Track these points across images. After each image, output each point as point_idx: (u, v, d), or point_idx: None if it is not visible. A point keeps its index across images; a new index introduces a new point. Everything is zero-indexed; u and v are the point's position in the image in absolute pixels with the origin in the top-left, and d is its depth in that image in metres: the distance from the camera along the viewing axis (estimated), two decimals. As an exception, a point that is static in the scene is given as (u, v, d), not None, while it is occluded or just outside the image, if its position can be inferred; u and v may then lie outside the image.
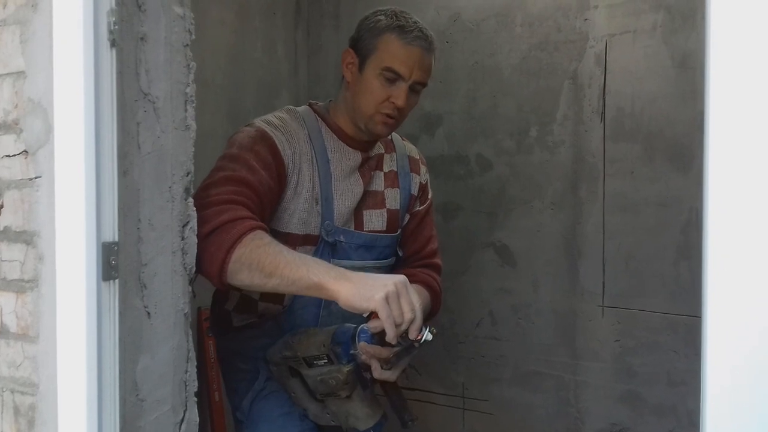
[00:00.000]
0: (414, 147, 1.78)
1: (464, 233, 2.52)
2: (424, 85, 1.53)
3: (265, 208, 1.42)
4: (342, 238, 1.55)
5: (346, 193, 1.55)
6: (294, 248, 1.47)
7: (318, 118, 1.58)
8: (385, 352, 1.35)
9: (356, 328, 1.41)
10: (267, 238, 1.30)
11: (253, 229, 1.29)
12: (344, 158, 1.56)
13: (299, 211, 1.49)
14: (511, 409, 2.47)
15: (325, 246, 1.53)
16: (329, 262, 1.50)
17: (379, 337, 1.36)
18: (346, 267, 1.49)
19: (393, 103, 1.48)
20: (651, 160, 2.22)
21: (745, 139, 0.74)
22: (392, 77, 1.48)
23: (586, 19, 2.29)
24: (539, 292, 2.42)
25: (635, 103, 2.23)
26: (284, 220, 1.49)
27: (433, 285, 1.67)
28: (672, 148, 2.18)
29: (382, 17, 1.51)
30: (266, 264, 1.25)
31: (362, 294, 1.22)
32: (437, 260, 1.75)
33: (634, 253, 2.25)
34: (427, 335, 1.29)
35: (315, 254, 1.51)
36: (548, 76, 2.37)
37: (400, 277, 1.26)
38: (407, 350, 1.34)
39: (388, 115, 1.50)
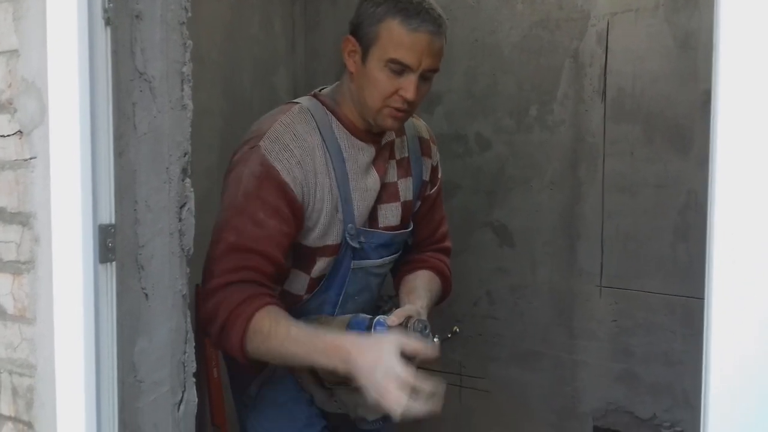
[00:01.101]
0: (423, 124, 1.67)
1: (463, 213, 2.51)
2: (436, 71, 1.40)
3: (277, 259, 1.37)
4: (363, 239, 1.48)
5: (365, 191, 1.47)
6: (314, 258, 1.46)
7: (328, 113, 1.45)
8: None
9: (372, 319, 1.39)
10: (266, 323, 1.30)
11: (251, 316, 1.30)
12: (359, 154, 1.46)
13: (320, 225, 1.42)
14: (508, 388, 2.48)
15: (347, 250, 1.47)
16: (350, 265, 1.49)
17: (396, 331, 1.35)
18: (365, 267, 1.52)
19: (402, 96, 1.36)
20: (651, 141, 2.20)
21: (755, 128, 0.73)
22: (399, 69, 1.34)
23: (587, -3, 2.27)
24: (537, 272, 2.42)
25: (636, 83, 2.21)
26: (303, 234, 1.42)
27: (443, 270, 1.65)
28: (672, 129, 2.17)
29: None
30: (277, 358, 1.36)
31: (358, 378, 1.25)
32: (447, 243, 1.71)
33: (632, 234, 2.25)
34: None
35: (337, 262, 1.47)
36: (549, 54, 2.34)
37: (387, 360, 1.21)
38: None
39: (397, 109, 1.38)
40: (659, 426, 2.25)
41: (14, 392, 1.11)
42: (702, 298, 2.31)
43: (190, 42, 1.17)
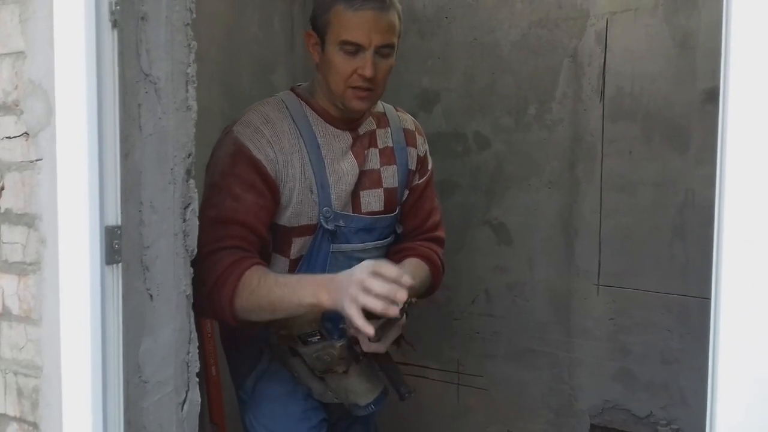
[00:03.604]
0: (410, 117, 1.72)
1: (461, 211, 2.51)
2: (391, 46, 1.46)
3: (257, 229, 1.44)
4: (342, 223, 1.52)
5: (342, 176, 1.52)
6: (290, 239, 1.51)
7: (302, 103, 1.53)
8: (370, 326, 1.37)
9: None
10: (254, 279, 1.37)
11: (240, 275, 1.36)
12: (334, 141, 1.53)
13: (293, 203, 1.47)
14: (506, 385, 2.49)
15: (324, 233, 1.51)
16: (329, 248, 1.53)
17: (365, 311, 1.38)
18: (346, 251, 1.54)
19: (361, 75, 1.42)
20: (649, 141, 2.21)
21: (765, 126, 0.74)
22: (352, 49, 1.42)
23: (586, -4, 2.27)
24: (535, 271, 2.43)
25: (635, 82, 2.22)
26: (278, 214, 1.48)
27: (433, 258, 1.66)
28: (670, 128, 2.18)
29: None
30: (264, 306, 1.37)
31: (337, 303, 1.30)
32: (439, 233, 1.73)
33: (629, 233, 2.26)
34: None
35: (313, 242, 1.51)
36: (548, 53, 2.35)
37: (358, 274, 1.28)
38: (390, 321, 1.38)
39: (359, 88, 1.44)
40: (656, 424, 2.27)
41: (19, 393, 1.11)
42: (699, 297, 2.33)
43: (194, 43, 1.17)
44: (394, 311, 1.25)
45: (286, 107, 1.51)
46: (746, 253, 0.76)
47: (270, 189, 1.44)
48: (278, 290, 1.36)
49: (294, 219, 1.49)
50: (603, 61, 2.26)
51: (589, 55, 2.28)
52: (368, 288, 1.25)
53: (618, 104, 2.25)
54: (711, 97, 2.09)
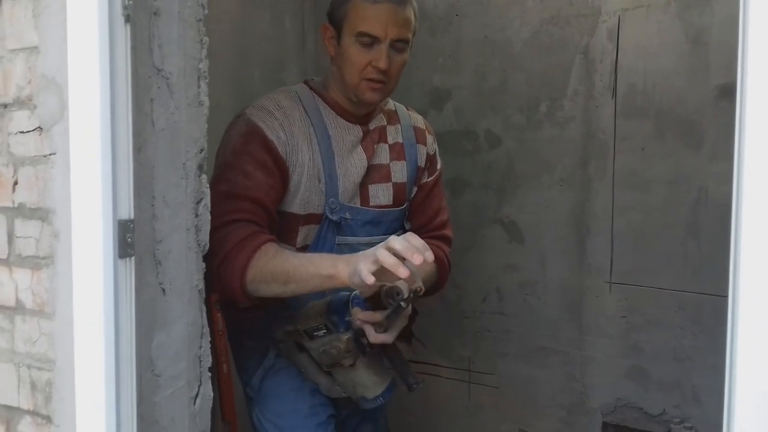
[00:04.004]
0: (420, 117, 1.74)
1: (472, 209, 2.51)
2: (406, 41, 1.48)
3: (268, 208, 1.45)
4: (348, 215, 1.53)
5: (350, 168, 1.53)
6: (297, 227, 1.51)
7: (314, 95, 1.55)
8: (376, 316, 1.38)
9: (350, 295, 1.43)
10: (271, 250, 1.38)
11: (257, 247, 1.37)
12: (345, 133, 1.54)
13: (301, 190, 1.49)
14: (517, 384, 2.48)
15: (330, 224, 1.52)
16: (334, 239, 1.53)
17: (371, 302, 1.40)
18: (351, 243, 1.54)
19: (375, 67, 1.44)
20: (662, 138, 2.20)
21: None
22: (368, 41, 1.44)
23: (598, -7, 2.26)
24: (547, 269, 2.42)
25: (647, 79, 2.20)
26: (287, 200, 1.49)
27: (439, 255, 1.66)
28: (683, 125, 2.16)
29: None
30: (278, 275, 1.37)
31: (352, 269, 1.28)
32: (447, 232, 1.74)
33: (642, 230, 2.25)
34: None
35: (319, 233, 1.52)
36: (559, 50, 2.34)
37: (381, 245, 1.26)
38: (396, 311, 1.38)
39: (373, 80, 1.46)
40: (668, 422, 2.25)
41: (33, 386, 1.12)
42: (712, 294, 2.32)
43: (206, 39, 1.18)
44: (404, 272, 1.22)
45: (299, 97, 1.53)
46: (765, 249, 0.75)
47: (280, 170, 1.46)
48: (295, 260, 1.38)
49: (303, 207, 1.50)
50: (615, 57, 2.24)
51: (601, 52, 2.27)
52: (389, 245, 1.24)
53: (630, 101, 2.23)
54: (725, 93, 2.07)
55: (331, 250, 1.53)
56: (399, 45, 1.46)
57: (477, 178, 2.51)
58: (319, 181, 1.50)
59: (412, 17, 1.48)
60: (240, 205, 1.41)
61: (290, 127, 1.47)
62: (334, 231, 1.53)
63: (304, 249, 1.53)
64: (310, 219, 1.52)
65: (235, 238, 1.38)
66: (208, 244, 1.22)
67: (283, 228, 1.51)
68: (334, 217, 1.51)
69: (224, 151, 1.48)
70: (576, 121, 2.33)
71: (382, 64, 1.44)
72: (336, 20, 1.48)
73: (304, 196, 1.49)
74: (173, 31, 1.11)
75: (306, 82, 1.59)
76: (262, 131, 1.44)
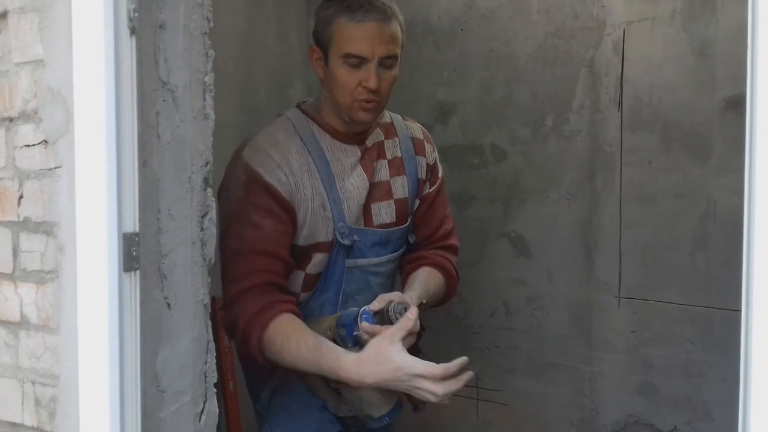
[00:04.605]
0: (417, 125, 1.71)
1: (478, 223, 2.50)
2: (395, 57, 1.44)
3: (282, 256, 1.44)
4: (357, 238, 1.52)
5: (352, 191, 1.52)
6: (309, 255, 1.51)
7: (309, 120, 1.53)
8: (384, 330, 1.37)
9: (359, 310, 1.42)
10: (278, 341, 1.38)
11: (265, 326, 1.38)
12: (343, 156, 1.52)
13: (307, 223, 1.47)
14: (526, 400, 2.46)
15: (340, 249, 1.51)
16: (344, 264, 1.53)
17: (379, 317, 1.40)
18: (361, 265, 1.55)
19: (365, 87, 1.42)
20: (668, 150, 2.19)
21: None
22: (355, 62, 1.41)
23: (603, 6, 2.26)
24: (554, 283, 2.40)
25: (653, 92, 2.20)
26: (295, 234, 1.48)
27: (446, 266, 1.66)
28: (690, 137, 2.15)
29: (330, 2, 1.44)
30: (291, 369, 1.42)
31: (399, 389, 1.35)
32: (452, 241, 1.72)
33: (650, 244, 2.23)
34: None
35: (330, 259, 1.51)
36: (564, 64, 2.34)
37: (401, 361, 1.30)
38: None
39: (365, 101, 1.44)
40: (680, 439, 2.22)
41: (37, 402, 1.11)
42: (723, 308, 2.29)
43: (212, 52, 1.18)
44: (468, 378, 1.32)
45: (293, 126, 1.51)
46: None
47: (287, 211, 1.44)
48: (303, 365, 1.39)
49: (309, 238, 1.49)
50: (620, 70, 2.24)
51: (607, 65, 2.27)
52: (433, 392, 1.29)
53: (636, 114, 2.23)
54: (731, 105, 2.06)
55: (341, 274, 1.53)
56: (387, 62, 1.43)
57: (483, 192, 2.50)
58: (324, 209, 1.48)
59: (398, 31, 1.45)
60: (251, 263, 1.40)
61: (289, 165, 1.45)
62: (344, 255, 1.52)
63: (316, 276, 1.53)
64: (319, 248, 1.50)
65: (248, 313, 1.39)
66: (213, 258, 1.21)
67: (294, 257, 1.49)
68: (346, 242, 1.50)
69: (227, 199, 1.46)
70: (582, 134, 2.32)
71: (372, 83, 1.41)
72: (322, 42, 1.46)
73: (310, 228, 1.48)
74: (179, 45, 1.11)
75: (299, 106, 1.57)
76: (262, 177, 1.42)
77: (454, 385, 1.29)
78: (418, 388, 1.29)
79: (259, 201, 1.42)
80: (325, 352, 1.36)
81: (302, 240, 1.48)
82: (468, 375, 1.31)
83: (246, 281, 1.40)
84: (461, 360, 1.30)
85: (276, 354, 1.38)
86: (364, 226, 1.55)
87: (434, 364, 1.29)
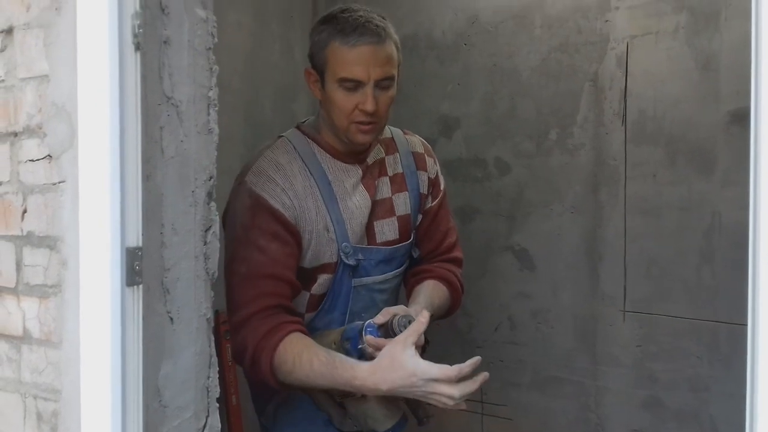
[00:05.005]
0: (418, 139, 1.70)
1: (482, 237, 2.49)
2: (391, 78, 1.43)
3: (289, 279, 1.44)
4: (361, 257, 1.52)
5: (355, 210, 1.51)
6: (314, 276, 1.50)
7: (309, 141, 1.52)
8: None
9: (363, 323, 1.42)
10: (289, 360, 1.36)
11: (274, 350, 1.37)
12: (344, 176, 1.52)
13: (312, 246, 1.47)
14: (531, 415, 2.44)
15: (345, 268, 1.50)
16: (350, 283, 1.52)
17: (384, 330, 1.40)
18: (367, 283, 1.55)
19: (362, 110, 1.41)
20: (673, 164, 2.19)
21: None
22: (351, 85, 1.40)
23: (606, 21, 2.27)
24: (559, 297, 2.39)
25: (657, 105, 2.20)
26: (300, 257, 1.48)
27: (450, 279, 1.65)
28: (695, 151, 2.15)
29: (324, 26, 1.43)
30: (305, 387, 1.41)
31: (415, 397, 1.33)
32: (456, 253, 1.72)
33: (655, 258, 2.22)
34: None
35: (335, 279, 1.51)
36: (568, 78, 2.34)
37: (415, 367, 1.29)
38: None
39: (363, 123, 1.43)
40: (687, 454, 2.20)
41: (39, 417, 1.10)
42: (729, 323, 2.28)
43: (216, 67, 1.18)
44: (483, 378, 1.31)
45: (294, 148, 1.50)
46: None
47: (293, 235, 1.43)
48: (317, 381, 1.37)
49: (313, 260, 1.48)
50: (624, 84, 2.25)
51: (610, 79, 2.27)
52: (448, 395, 1.28)
53: (640, 127, 2.23)
54: (736, 118, 2.06)
55: (348, 294, 1.52)
56: (384, 83, 1.42)
57: (487, 205, 2.50)
58: (328, 230, 1.47)
59: (394, 52, 1.43)
60: (258, 287, 1.40)
61: (293, 188, 1.44)
62: (350, 275, 1.52)
63: (321, 297, 1.52)
64: (324, 269, 1.50)
65: (255, 338, 1.38)
66: (216, 272, 1.21)
67: (300, 278, 1.49)
68: (351, 261, 1.50)
69: (233, 224, 1.45)
70: (586, 147, 2.32)
71: (369, 106, 1.40)
72: (317, 65, 1.45)
73: (315, 250, 1.47)
74: (183, 60, 1.12)
75: (298, 127, 1.56)
76: (267, 202, 1.41)
77: (470, 386, 1.27)
78: (433, 392, 1.27)
79: (265, 225, 1.41)
80: (338, 364, 1.34)
81: (308, 262, 1.48)
82: (483, 376, 1.29)
83: (254, 305, 1.39)
84: (475, 360, 1.28)
85: (288, 373, 1.36)
86: (368, 244, 1.55)
87: (447, 366, 1.27)
